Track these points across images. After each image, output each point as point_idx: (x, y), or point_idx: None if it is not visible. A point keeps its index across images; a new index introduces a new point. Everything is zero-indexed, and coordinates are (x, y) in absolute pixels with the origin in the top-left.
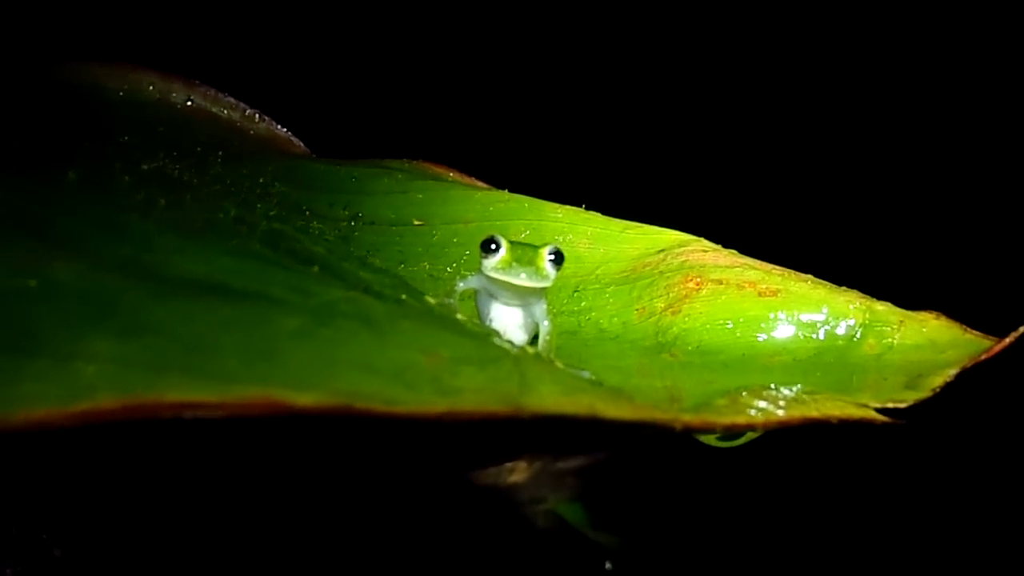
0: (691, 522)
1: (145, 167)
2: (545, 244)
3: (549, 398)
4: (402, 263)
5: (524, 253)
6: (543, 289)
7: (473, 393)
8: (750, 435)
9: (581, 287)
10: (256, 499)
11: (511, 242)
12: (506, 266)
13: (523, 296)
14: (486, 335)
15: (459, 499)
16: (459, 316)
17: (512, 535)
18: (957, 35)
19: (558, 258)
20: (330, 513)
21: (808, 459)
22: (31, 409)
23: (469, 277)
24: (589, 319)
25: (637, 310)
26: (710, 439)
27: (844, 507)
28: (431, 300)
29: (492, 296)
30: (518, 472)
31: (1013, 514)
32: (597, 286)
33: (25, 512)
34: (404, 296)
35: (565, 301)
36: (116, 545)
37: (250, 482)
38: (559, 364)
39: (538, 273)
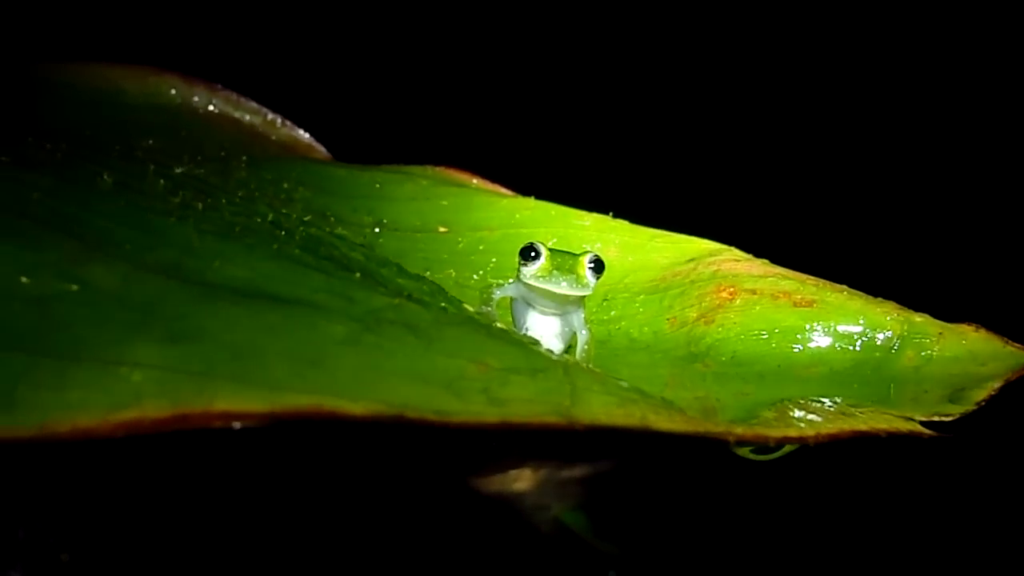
0: (697, 532)
1: (178, 171)
2: (585, 252)
3: (601, 409)
4: (427, 270)
5: (564, 261)
6: (582, 298)
7: (524, 403)
8: (787, 448)
9: (610, 296)
10: (259, 504)
11: (551, 250)
12: (546, 274)
13: (562, 305)
14: (533, 343)
15: (464, 506)
16: (499, 324)
17: (516, 543)
18: (990, 43)
19: (598, 266)
20: (333, 518)
21: (817, 468)
22: (78, 417)
23: (506, 285)
24: (619, 328)
25: (668, 320)
26: (744, 451)
27: (857, 520)
28: (469, 308)
29: (529, 304)
30: (523, 480)
31: None
32: (627, 295)
33: (32, 516)
34: (443, 304)
35: (594, 310)
36: (124, 550)
37: (252, 487)
38: (599, 373)
39: (579, 281)
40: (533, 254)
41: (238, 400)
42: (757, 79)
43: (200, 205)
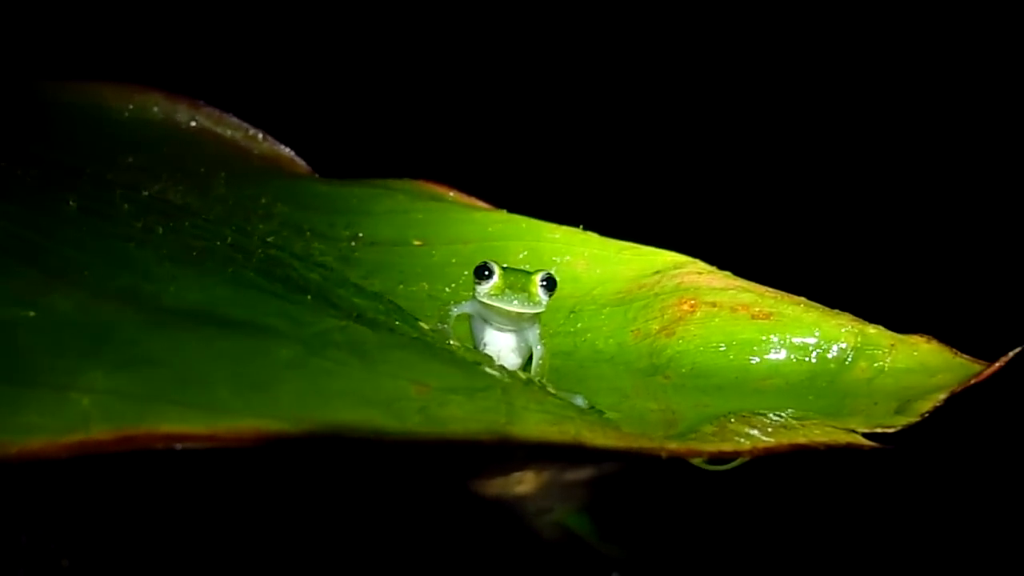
0: (699, 534)
1: (146, 193)
2: (538, 270)
3: (535, 427)
4: (401, 283)
5: (517, 279)
6: (536, 314)
7: (460, 422)
8: (741, 459)
9: (577, 308)
10: (261, 508)
11: (504, 268)
12: (499, 292)
13: (516, 321)
14: (476, 363)
15: (465, 510)
16: (452, 342)
17: (519, 546)
18: (956, 60)
19: (550, 284)
20: (334, 522)
21: (822, 475)
22: (27, 440)
23: (463, 303)
24: (585, 340)
25: (632, 332)
26: (698, 462)
27: (851, 526)
28: (425, 326)
29: (486, 321)
30: (525, 483)
31: (999, 537)
32: (593, 307)
33: (34, 522)
34: (397, 322)
35: (561, 322)
36: (124, 557)
37: (254, 493)
38: (551, 389)
39: (530, 299)
40: (486, 273)
41: (180, 423)
42: (721, 97)
43: (161, 229)
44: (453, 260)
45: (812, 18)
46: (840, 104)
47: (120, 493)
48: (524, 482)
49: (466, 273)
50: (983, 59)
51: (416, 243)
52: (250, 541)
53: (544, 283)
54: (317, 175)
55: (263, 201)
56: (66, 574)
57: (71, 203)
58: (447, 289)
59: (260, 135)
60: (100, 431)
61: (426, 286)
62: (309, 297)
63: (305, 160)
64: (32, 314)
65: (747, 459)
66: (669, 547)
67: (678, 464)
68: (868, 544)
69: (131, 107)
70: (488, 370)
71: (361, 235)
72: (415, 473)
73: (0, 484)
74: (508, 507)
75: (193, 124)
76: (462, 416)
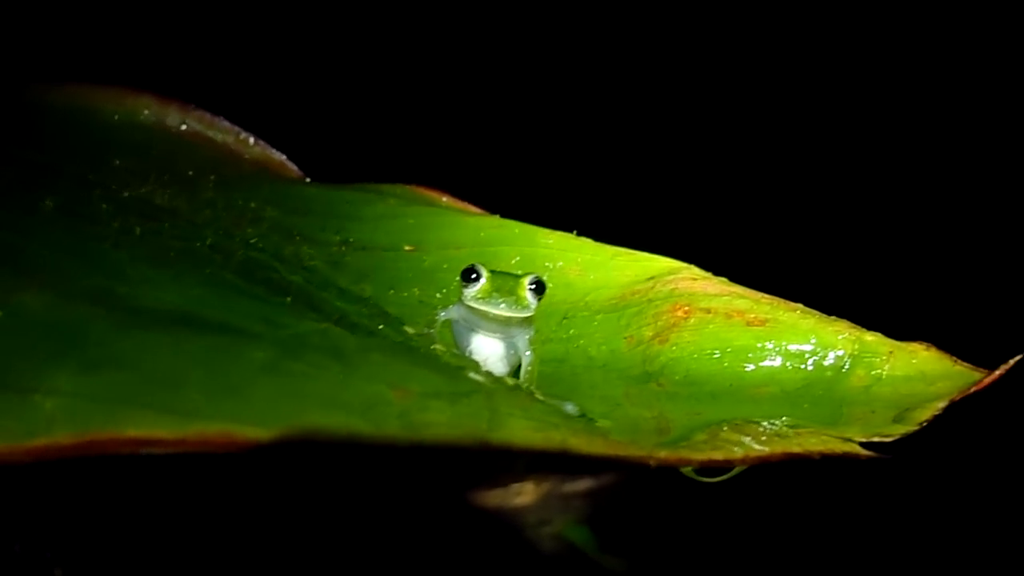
0: (699, 546)
1: (126, 194)
2: (527, 273)
3: (519, 433)
4: (392, 289)
5: (505, 282)
6: (526, 319)
7: (440, 428)
8: (736, 470)
9: (570, 314)
10: (259, 516)
11: (492, 272)
12: (486, 296)
13: (504, 327)
14: (460, 368)
15: (465, 521)
16: (437, 347)
17: (518, 558)
18: (952, 63)
19: (539, 288)
20: (332, 533)
21: (823, 483)
22: None
23: (450, 307)
24: (577, 347)
25: (626, 338)
26: (688, 471)
27: (853, 535)
28: (410, 330)
29: (473, 327)
30: (525, 494)
31: (998, 547)
32: (586, 313)
33: (28, 530)
34: (381, 326)
35: (554, 328)
36: (118, 567)
37: (253, 501)
38: (539, 396)
39: (519, 303)
40: (473, 276)
41: (147, 428)
42: (716, 102)
43: (139, 230)
44: (445, 266)
45: (808, 20)
46: (836, 108)
47: (115, 501)
48: (523, 494)
49: (458, 279)
50: (980, 61)
51: (407, 248)
52: (245, 548)
53: (533, 286)
54: (308, 179)
55: (252, 205)
56: None
57: (48, 202)
58: (438, 295)
59: (251, 139)
60: (63, 435)
61: (417, 291)
62: (289, 299)
63: (296, 164)
64: (0, 315)
65: (743, 470)
66: (668, 559)
67: (677, 475)
68: (868, 554)
69: (121, 110)
70: (473, 375)
71: (352, 240)
72: (405, 479)
73: None
74: (507, 519)
75: (184, 127)
76: (443, 422)
